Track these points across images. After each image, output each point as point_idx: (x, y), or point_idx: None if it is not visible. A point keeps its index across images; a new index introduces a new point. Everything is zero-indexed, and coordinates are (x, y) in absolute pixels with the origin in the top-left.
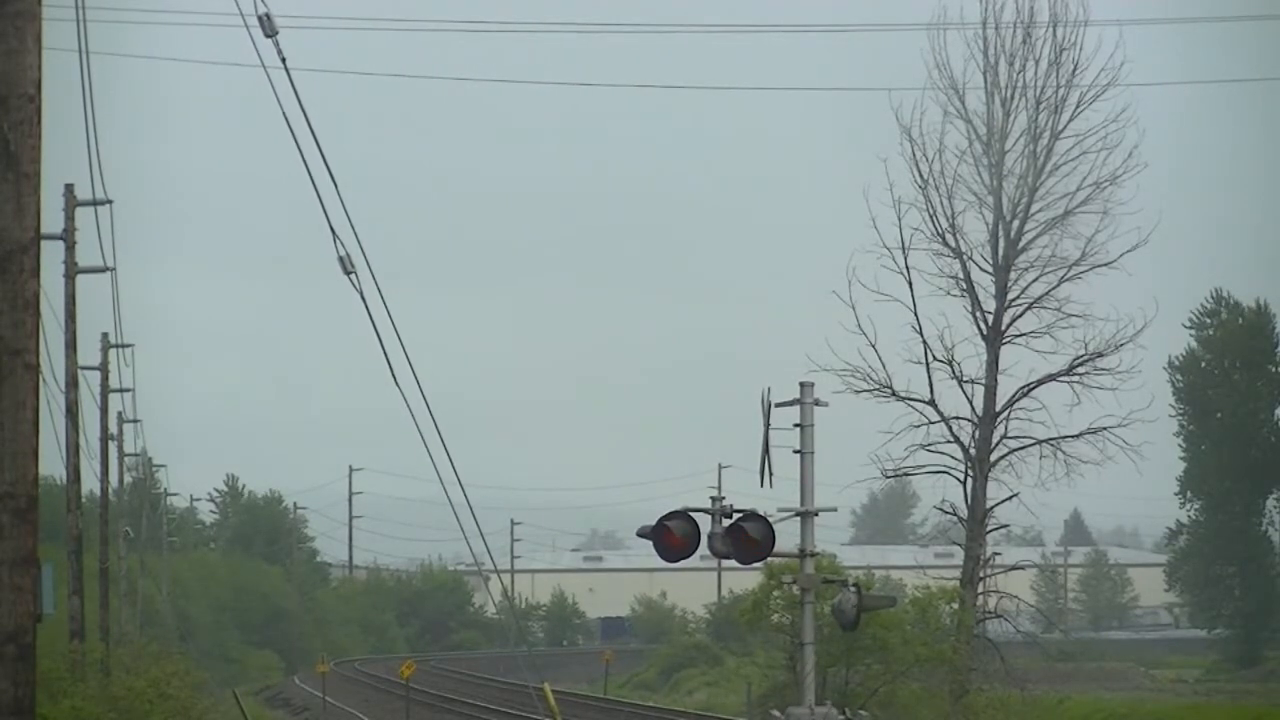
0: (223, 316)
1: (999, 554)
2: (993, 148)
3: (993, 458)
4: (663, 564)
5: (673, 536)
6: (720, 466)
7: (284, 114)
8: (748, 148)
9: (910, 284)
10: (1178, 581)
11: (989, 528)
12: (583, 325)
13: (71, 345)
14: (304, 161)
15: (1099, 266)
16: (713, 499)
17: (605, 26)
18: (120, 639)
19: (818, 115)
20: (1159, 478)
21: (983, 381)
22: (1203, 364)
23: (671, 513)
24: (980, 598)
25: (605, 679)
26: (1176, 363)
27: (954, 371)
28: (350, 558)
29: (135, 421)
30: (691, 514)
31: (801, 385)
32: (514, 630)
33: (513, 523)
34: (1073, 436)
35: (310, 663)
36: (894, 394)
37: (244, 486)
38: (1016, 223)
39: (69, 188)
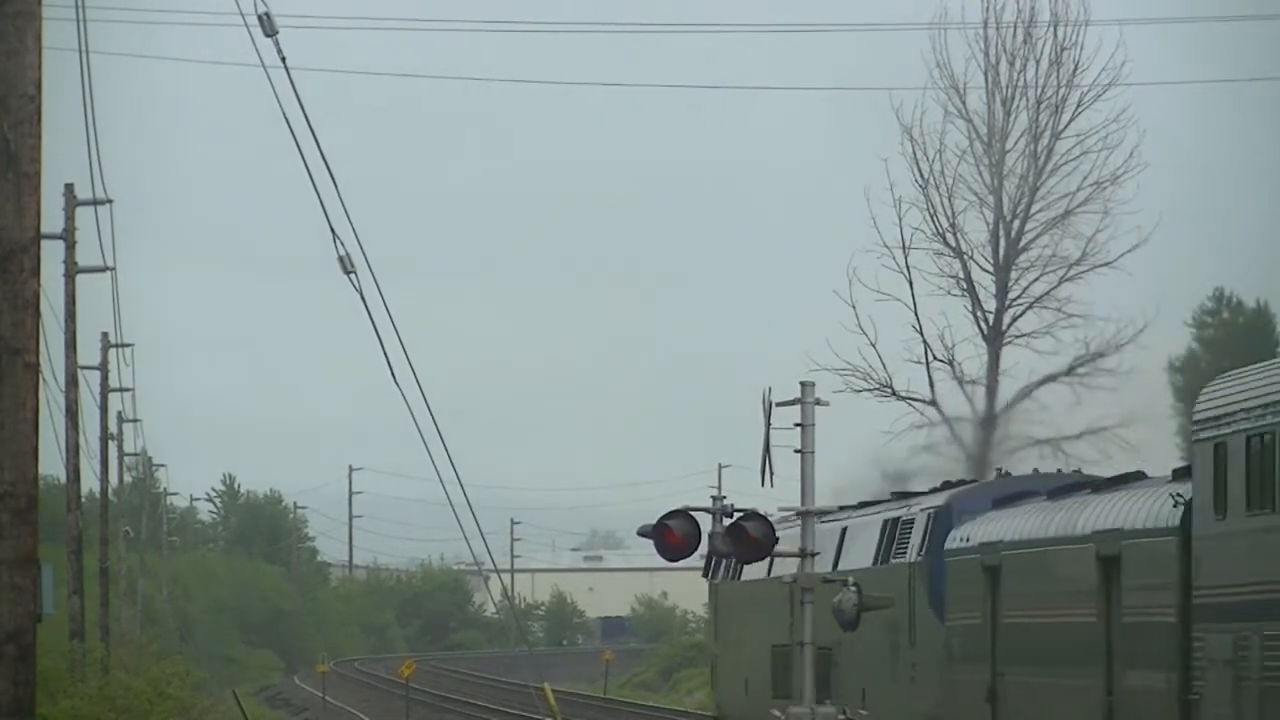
0: (222, 316)
1: None
2: (993, 147)
3: (993, 457)
4: (663, 564)
5: (673, 536)
6: (720, 466)
7: (284, 114)
8: (748, 147)
9: (911, 283)
10: None
11: None
12: (582, 324)
13: (71, 345)
14: (304, 161)
15: (1099, 266)
16: (713, 498)
17: (604, 26)
18: (120, 639)
19: (818, 115)
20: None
21: (983, 382)
22: (1203, 364)
23: (672, 512)
24: None
25: (605, 679)
26: (1177, 363)
27: (955, 371)
28: (350, 558)
29: (135, 421)
30: (692, 513)
31: (802, 384)
32: (514, 630)
33: (513, 523)
34: (1073, 436)
35: (310, 663)
36: (894, 393)
37: (240, 486)
38: (1017, 222)
39: (69, 188)
